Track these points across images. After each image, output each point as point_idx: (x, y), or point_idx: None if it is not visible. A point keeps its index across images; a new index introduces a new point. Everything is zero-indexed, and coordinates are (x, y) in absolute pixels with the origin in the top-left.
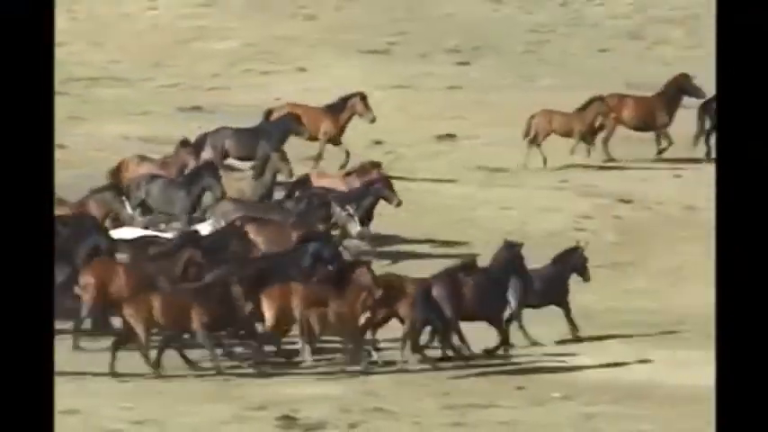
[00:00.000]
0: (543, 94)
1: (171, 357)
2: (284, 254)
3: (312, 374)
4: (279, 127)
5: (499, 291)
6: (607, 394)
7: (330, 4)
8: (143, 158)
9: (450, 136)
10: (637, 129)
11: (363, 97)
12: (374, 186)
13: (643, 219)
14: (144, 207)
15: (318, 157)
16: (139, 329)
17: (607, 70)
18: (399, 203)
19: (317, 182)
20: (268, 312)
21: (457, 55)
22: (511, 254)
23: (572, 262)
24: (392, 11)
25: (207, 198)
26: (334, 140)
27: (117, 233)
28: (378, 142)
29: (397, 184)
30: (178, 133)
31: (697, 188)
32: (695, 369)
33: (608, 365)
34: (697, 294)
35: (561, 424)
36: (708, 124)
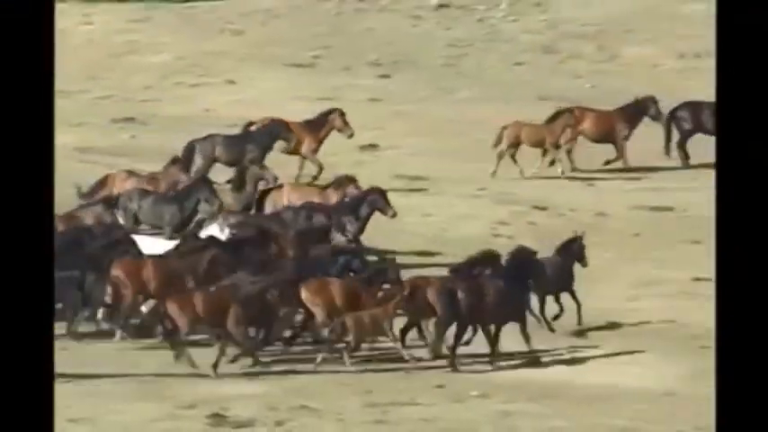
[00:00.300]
0: (461, 106)
1: (105, 356)
2: (314, 261)
3: (241, 374)
4: (267, 133)
5: (519, 291)
6: (524, 393)
7: (257, 19)
8: (130, 173)
9: (373, 146)
10: (597, 141)
11: (342, 113)
12: (370, 198)
13: (557, 225)
14: (134, 220)
15: (300, 171)
16: (183, 324)
17: (522, 83)
18: (394, 215)
19: (292, 194)
20: (315, 307)
21: (378, 68)
22: (526, 256)
23: (574, 250)
24: (316, 26)
25: (203, 209)
26: (312, 154)
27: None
28: None
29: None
30: (111, 143)
31: (609, 196)
32: (608, 368)
33: (524, 365)
34: (607, 297)
35: (479, 421)
36: (676, 133)
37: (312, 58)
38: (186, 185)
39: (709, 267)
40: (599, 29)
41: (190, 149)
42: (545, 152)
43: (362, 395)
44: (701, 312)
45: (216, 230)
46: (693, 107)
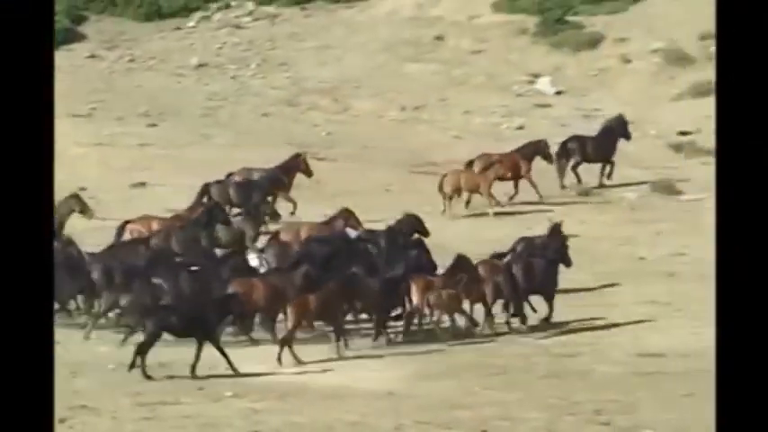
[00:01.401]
0: (218, 150)
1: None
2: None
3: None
4: (267, 180)
5: (553, 270)
6: (271, 393)
7: None
8: (151, 217)
9: (142, 184)
10: (508, 179)
11: (305, 158)
12: (411, 221)
13: None
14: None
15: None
16: (295, 321)
17: (269, 131)
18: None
19: (305, 229)
20: (417, 298)
21: (147, 118)
22: (559, 238)
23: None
24: (93, 82)
25: (222, 234)
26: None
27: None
28: (82, 188)
29: (100, 222)
30: None
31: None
32: (343, 371)
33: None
34: None
35: (232, 417)
36: (570, 161)
37: (90, 110)
38: (205, 216)
39: None
40: (333, 85)
41: (205, 192)
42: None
43: (133, 396)
44: None
45: (254, 260)
46: (580, 140)
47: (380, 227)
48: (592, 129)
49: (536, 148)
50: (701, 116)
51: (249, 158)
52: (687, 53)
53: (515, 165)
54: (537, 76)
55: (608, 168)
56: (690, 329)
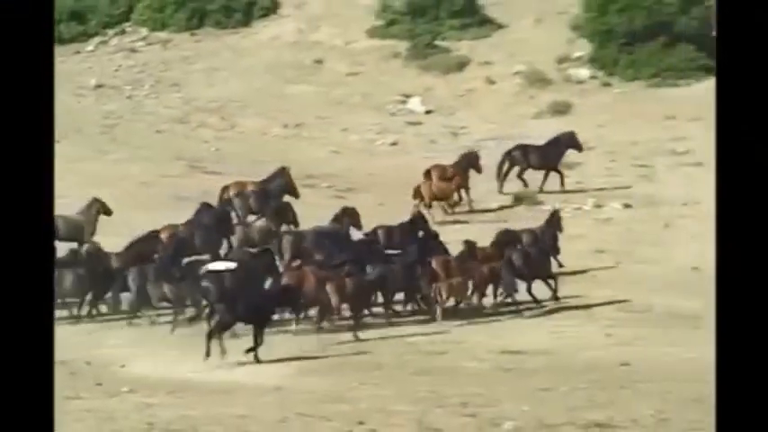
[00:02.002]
0: (115, 165)
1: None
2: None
3: None
4: (279, 189)
5: (548, 255)
6: (164, 388)
7: None
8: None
9: None
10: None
11: (289, 173)
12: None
13: None
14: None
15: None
16: (335, 302)
17: (162, 147)
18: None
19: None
20: (441, 273)
21: None
22: (555, 223)
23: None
24: None
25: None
26: None
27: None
28: None
29: None
30: None
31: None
32: (229, 367)
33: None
34: None
35: (128, 410)
36: (513, 168)
37: None
38: (219, 221)
39: None
40: (221, 104)
41: (228, 201)
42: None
43: None
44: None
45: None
46: (523, 148)
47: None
48: (460, 145)
49: (469, 161)
50: (559, 131)
51: (144, 172)
52: (545, 75)
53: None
54: (408, 96)
55: (550, 175)
56: (548, 329)
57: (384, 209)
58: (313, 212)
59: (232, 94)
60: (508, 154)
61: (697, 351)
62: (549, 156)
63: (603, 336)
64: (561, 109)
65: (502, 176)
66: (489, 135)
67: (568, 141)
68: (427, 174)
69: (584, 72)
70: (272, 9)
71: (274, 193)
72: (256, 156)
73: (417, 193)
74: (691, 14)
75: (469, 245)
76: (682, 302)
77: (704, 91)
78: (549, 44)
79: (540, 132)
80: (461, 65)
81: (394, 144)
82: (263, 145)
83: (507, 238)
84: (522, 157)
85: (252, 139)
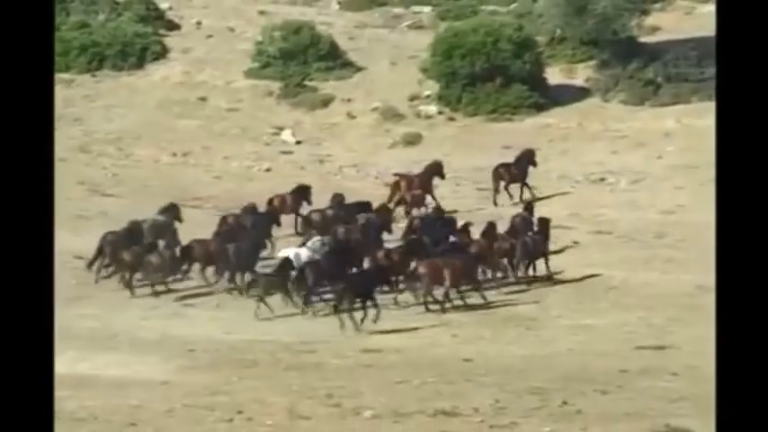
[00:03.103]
0: None
1: None
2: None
3: None
4: (355, 208)
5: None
6: (65, 383)
7: None
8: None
9: None
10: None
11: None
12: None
13: None
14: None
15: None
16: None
17: (66, 173)
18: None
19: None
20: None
21: None
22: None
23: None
24: None
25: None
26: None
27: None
28: None
29: None
30: None
31: None
32: (128, 363)
33: None
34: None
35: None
36: (501, 183)
37: None
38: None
39: None
40: (118, 136)
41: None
42: None
43: None
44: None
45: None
46: (505, 166)
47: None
48: (325, 170)
49: (433, 170)
50: (411, 161)
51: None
52: (399, 111)
53: (423, 183)
54: (281, 129)
55: (526, 192)
56: (401, 330)
57: None
58: (199, 229)
59: (128, 127)
60: (496, 171)
61: (529, 348)
62: (521, 171)
63: (450, 336)
64: (412, 140)
65: (494, 191)
66: (351, 162)
67: (529, 158)
68: (396, 185)
69: (432, 108)
70: (162, 54)
71: (349, 211)
72: (149, 181)
73: (395, 201)
74: (524, 59)
75: (491, 226)
76: (516, 308)
77: (535, 125)
78: (402, 84)
79: (394, 161)
80: (326, 102)
81: (268, 170)
82: (155, 171)
83: (494, 229)
84: (506, 173)
85: (145, 166)
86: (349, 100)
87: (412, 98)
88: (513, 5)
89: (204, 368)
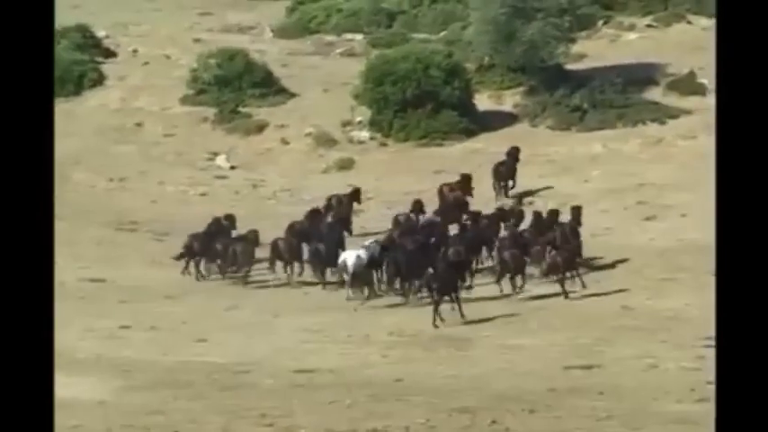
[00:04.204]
0: None
1: None
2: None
3: None
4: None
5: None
6: None
7: None
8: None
9: None
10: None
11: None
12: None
13: None
14: None
15: None
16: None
17: None
18: None
19: None
20: None
21: None
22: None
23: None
24: None
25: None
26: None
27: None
28: None
29: None
30: None
31: None
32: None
33: None
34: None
35: None
36: (500, 182)
37: None
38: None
39: None
40: (57, 161)
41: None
42: None
43: None
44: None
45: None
46: (503, 164)
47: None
48: (259, 195)
49: (466, 180)
50: (343, 184)
51: None
52: (332, 136)
53: None
54: (216, 154)
55: (511, 184)
56: (333, 350)
57: None
58: (133, 253)
59: (65, 152)
60: (497, 169)
61: (459, 368)
62: (511, 169)
63: (380, 356)
64: (345, 165)
65: (496, 189)
66: (285, 187)
67: (515, 156)
68: (440, 191)
69: (364, 134)
70: (99, 81)
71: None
72: (87, 205)
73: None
74: (453, 85)
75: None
76: (446, 328)
77: (465, 150)
78: (335, 110)
79: (327, 185)
80: (261, 127)
81: (204, 194)
82: (93, 195)
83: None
84: (504, 171)
85: (83, 190)
86: (283, 126)
87: (344, 124)
88: (442, 33)
89: (141, 389)
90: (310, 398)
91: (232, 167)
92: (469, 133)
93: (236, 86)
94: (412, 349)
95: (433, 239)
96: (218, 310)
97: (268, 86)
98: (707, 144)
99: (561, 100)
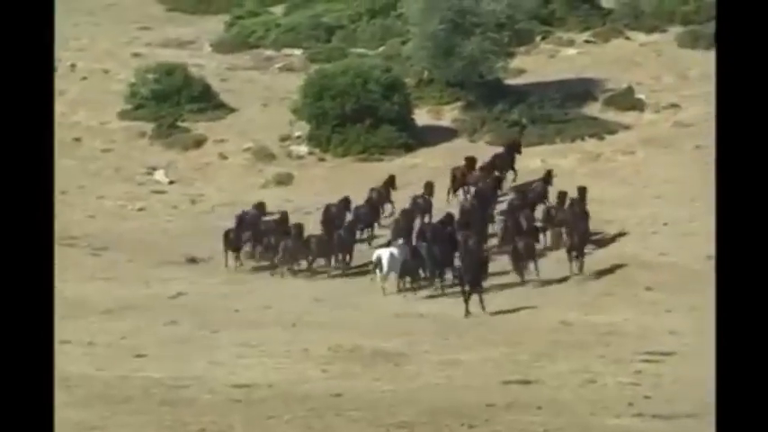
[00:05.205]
0: None
1: None
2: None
3: None
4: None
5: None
6: None
7: None
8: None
9: None
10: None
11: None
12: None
13: None
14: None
15: None
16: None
17: None
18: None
19: None
20: None
21: None
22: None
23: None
24: None
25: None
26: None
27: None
28: None
29: None
30: None
31: None
32: None
33: None
34: None
35: None
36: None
37: None
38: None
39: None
40: None
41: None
42: None
43: None
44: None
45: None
46: (500, 155)
47: None
48: (198, 210)
49: (500, 157)
50: (282, 199)
51: None
52: (271, 151)
53: None
54: (154, 169)
55: (512, 174)
56: (271, 365)
57: (132, 265)
58: (72, 267)
59: None
60: (492, 162)
61: (398, 383)
62: (510, 160)
63: (320, 371)
64: (284, 180)
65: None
66: (223, 202)
67: (514, 147)
68: (461, 166)
69: (303, 149)
70: None
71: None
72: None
73: (457, 179)
74: (392, 100)
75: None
76: (385, 344)
77: (403, 165)
78: (274, 125)
79: (267, 199)
80: (199, 142)
81: (141, 209)
82: None
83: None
84: (503, 161)
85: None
86: (221, 140)
87: (283, 139)
88: (381, 48)
89: (79, 404)
90: (248, 412)
91: (170, 182)
92: (408, 148)
93: (174, 101)
94: (351, 364)
95: (449, 229)
96: (157, 326)
97: (207, 101)
98: (645, 159)
99: (500, 115)
